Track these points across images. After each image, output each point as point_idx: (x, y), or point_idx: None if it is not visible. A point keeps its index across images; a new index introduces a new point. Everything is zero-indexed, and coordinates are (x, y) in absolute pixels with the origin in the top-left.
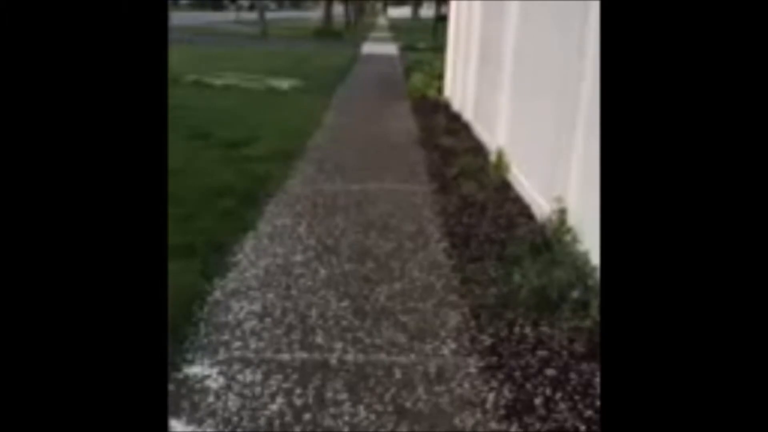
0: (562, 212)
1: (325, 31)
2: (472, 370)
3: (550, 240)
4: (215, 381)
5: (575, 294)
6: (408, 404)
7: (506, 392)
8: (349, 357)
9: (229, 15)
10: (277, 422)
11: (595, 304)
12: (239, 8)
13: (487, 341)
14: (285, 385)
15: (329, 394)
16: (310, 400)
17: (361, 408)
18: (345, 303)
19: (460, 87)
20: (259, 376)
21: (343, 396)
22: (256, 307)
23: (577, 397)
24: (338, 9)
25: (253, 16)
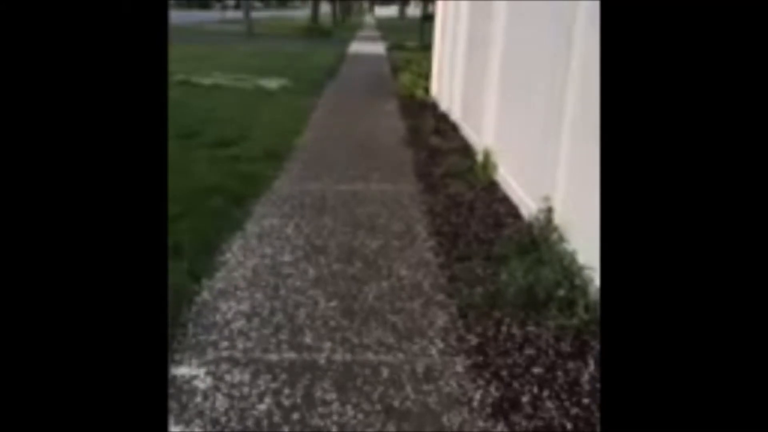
0: (549, 211)
1: (313, 30)
2: (459, 369)
3: (537, 239)
4: (203, 381)
5: (562, 293)
6: (396, 403)
7: (493, 391)
8: (338, 357)
9: (215, 14)
10: (265, 422)
11: (581, 302)
12: (225, 7)
13: (474, 340)
14: (273, 385)
15: (318, 394)
16: (299, 400)
17: (349, 407)
18: (333, 303)
19: (447, 87)
20: (247, 376)
21: (332, 395)
22: (245, 307)
23: (563, 395)
24: (325, 8)
25: (239, 14)
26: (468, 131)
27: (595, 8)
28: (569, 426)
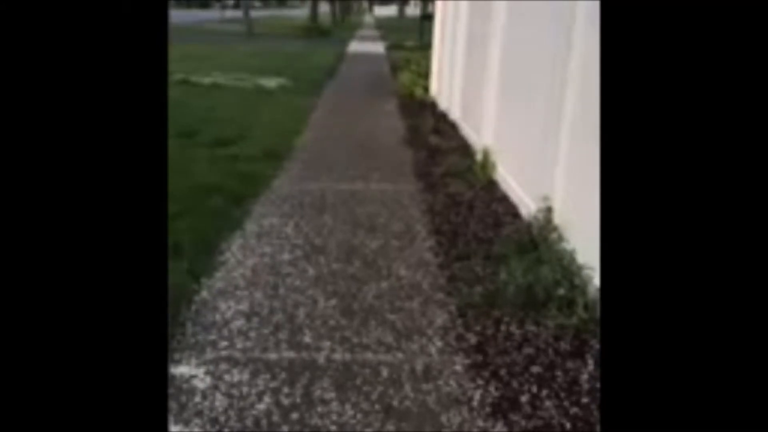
0: (548, 211)
1: (312, 30)
2: (459, 368)
3: (536, 239)
4: (202, 381)
5: (561, 292)
6: (395, 402)
7: (492, 390)
8: (337, 356)
9: (214, 13)
10: (264, 422)
11: (580, 302)
12: (224, 6)
13: (474, 339)
14: (272, 385)
15: (317, 393)
16: (298, 400)
17: (348, 407)
18: (332, 302)
19: (447, 86)
20: (246, 376)
21: (331, 395)
22: (244, 306)
23: (562, 395)
24: (324, 8)
25: (238, 14)
26: (467, 130)
27: (595, 8)
28: (568, 425)
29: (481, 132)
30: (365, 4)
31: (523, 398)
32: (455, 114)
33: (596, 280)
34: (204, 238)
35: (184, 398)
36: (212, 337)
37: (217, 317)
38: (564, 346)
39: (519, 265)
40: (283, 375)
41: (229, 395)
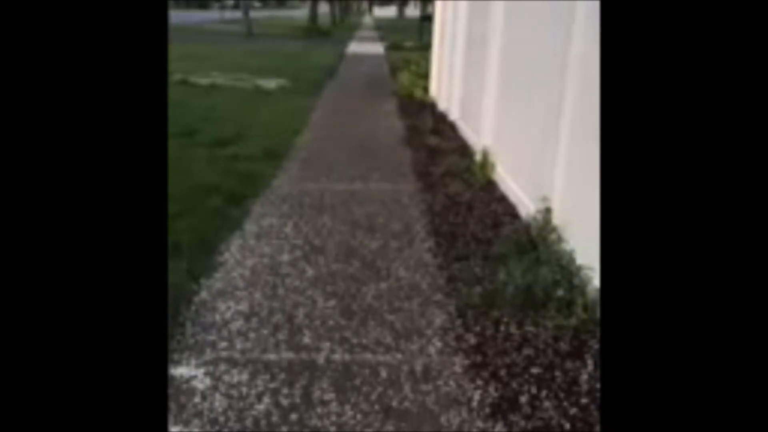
0: (547, 211)
1: (312, 30)
2: (458, 368)
3: (535, 239)
4: (201, 382)
5: (560, 293)
6: (394, 403)
7: (492, 390)
8: (336, 356)
9: (214, 14)
10: (263, 422)
11: (580, 302)
12: (223, 7)
13: (473, 340)
14: (272, 385)
15: (316, 394)
16: (297, 400)
17: (347, 407)
18: (332, 302)
19: (446, 86)
20: (245, 376)
21: (330, 395)
22: (243, 306)
23: (562, 395)
24: (324, 8)
25: (237, 15)
26: (466, 131)
27: (595, 8)
28: (568, 426)
29: (481, 132)
30: (365, 5)
31: (523, 399)
32: (454, 114)
33: (595, 281)
34: (203, 238)
35: (183, 399)
36: (211, 337)
37: (217, 318)
38: (563, 346)
39: (518, 266)
40: (283, 375)
41: (228, 396)
